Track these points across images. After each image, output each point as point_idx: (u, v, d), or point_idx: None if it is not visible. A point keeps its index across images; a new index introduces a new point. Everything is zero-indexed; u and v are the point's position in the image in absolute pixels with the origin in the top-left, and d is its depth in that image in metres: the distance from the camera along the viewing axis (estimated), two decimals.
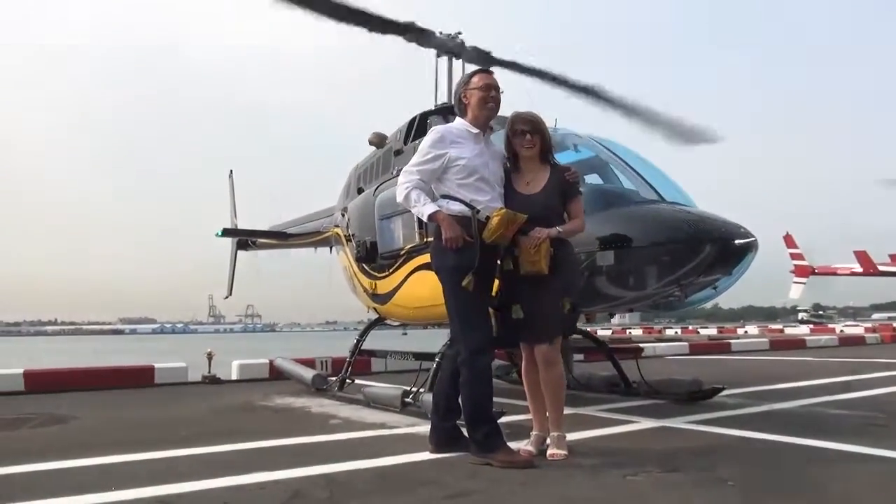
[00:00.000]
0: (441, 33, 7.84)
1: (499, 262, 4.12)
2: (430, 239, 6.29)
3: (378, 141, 8.07)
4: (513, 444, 3.92)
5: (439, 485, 3.33)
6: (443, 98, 7.73)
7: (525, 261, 3.93)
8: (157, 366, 9.42)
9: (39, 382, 8.47)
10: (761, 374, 9.13)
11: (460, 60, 7.82)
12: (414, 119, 7.54)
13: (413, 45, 7.91)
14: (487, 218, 3.96)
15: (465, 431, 4.10)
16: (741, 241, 4.61)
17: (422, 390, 5.71)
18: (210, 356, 9.46)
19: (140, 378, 9.09)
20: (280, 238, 11.34)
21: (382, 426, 5.24)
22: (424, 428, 4.99)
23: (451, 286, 3.96)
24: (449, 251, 3.94)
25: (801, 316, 64.23)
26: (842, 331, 26.76)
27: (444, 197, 4.05)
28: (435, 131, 4.16)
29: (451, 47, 7.85)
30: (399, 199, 4.10)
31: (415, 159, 4.11)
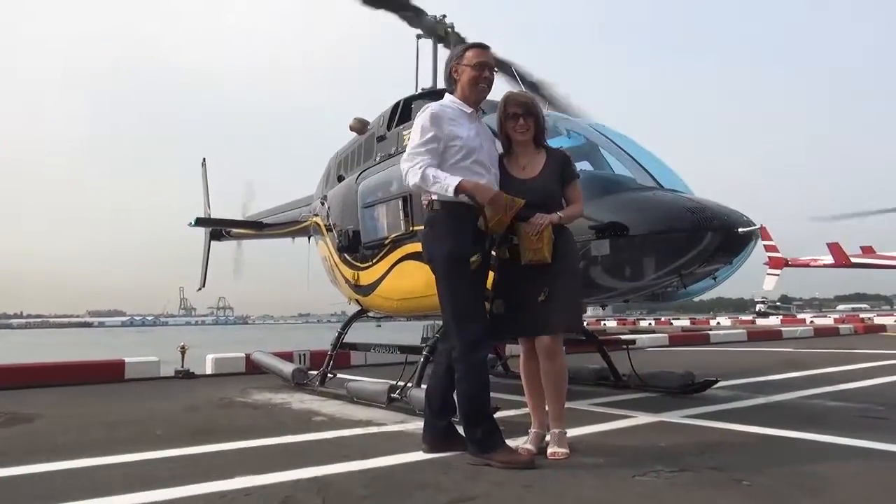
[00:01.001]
0: (430, 15, 7.61)
1: (493, 251, 3.91)
2: (415, 227, 6.13)
3: (360, 127, 7.80)
4: (509, 442, 3.71)
5: (438, 488, 3.11)
6: (425, 83, 7.50)
7: (527, 248, 3.72)
8: (127, 360, 9.04)
9: (2, 378, 8.04)
10: (747, 365, 9.06)
11: (441, 45, 7.60)
12: (398, 104, 7.28)
13: (402, 24, 7.67)
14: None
15: (459, 429, 3.90)
16: (744, 230, 4.46)
17: (409, 385, 5.49)
18: (183, 350, 9.12)
19: (109, 373, 8.71)
20: (256, 228, 11.00)
21: (369, 423, 5.00)
22: (414, 425, 4.79)
23: (446, 276, 3.73)
24: (442, 239, 3.70)
25: (758, 308, 65.06)
26: (812, 321, 27.10)
27: None
28: (429, 109, 3.89)
29: (437, 30, 7.61)
30: (413, 181, 3.74)
31: (416, 141, 3.81)
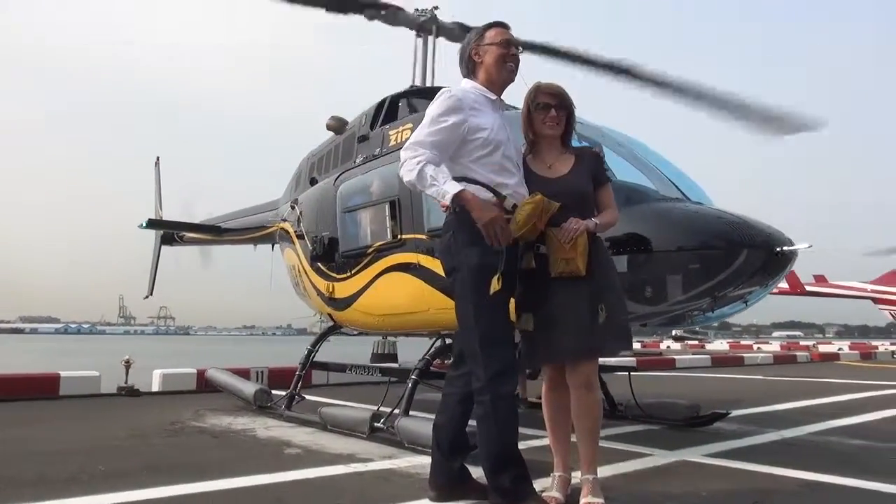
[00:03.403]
0: (416, 10, 7.04)
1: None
2: (403, 236, 5.52)
3: (337, 126, 7.14)
4: None
5: None
6: (417, 79, 6.93)
7: (558, 259, 3.15)
8: (63, 374, 8.06)
9: None
10: (731, 395, 8.67)
11: (432, 37, 7.04)
12: (383, 101, 6.67)
13: (383, 24, 7.11)
14: (514, 206, 3.15)
15: (470, 470, 3.29)
16: (788, 249, 4.00)
17: (396, 412, 4.85)
18: (128, 364, 8.22)
19: (42, 388, 7.74)
20: (214, 233, 10.13)
21: (352, 458, 4.32)
22: (405, 461, 4.16)
23: (473, 291, 3.10)
24: (469, 246, 3.11)
25: (673, 332, 65.58)
26: (759, 348, 27.19)
27: (458, 179, 3.20)
28: (449, 93, 3.30)
29: (423, 23, 7.04)
30: (408, 177, 3.16)
31: (424, 128, 3.22)
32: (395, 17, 7.05)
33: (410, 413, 4.85)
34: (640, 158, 4.91)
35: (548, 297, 3.21)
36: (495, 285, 3.03)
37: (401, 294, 5.51)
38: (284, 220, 7.88)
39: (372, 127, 6.59)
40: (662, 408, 5.93)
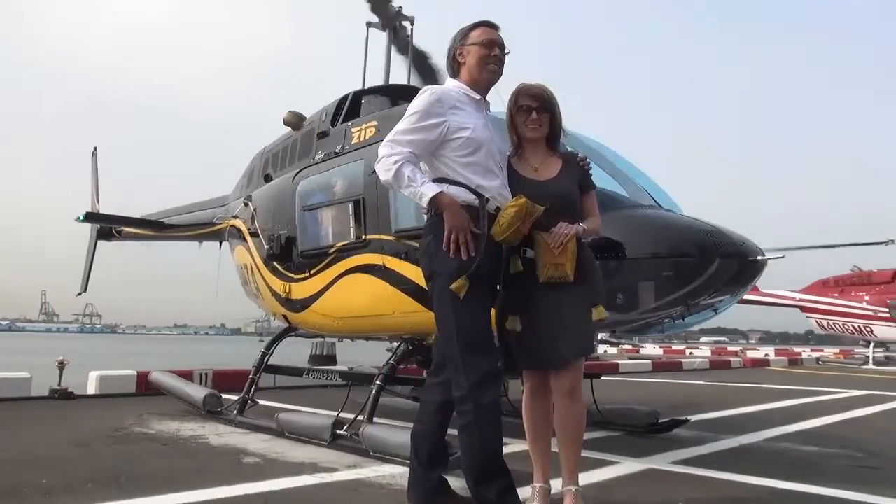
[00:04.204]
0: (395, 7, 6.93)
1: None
2: (368, 236, 5.35)
3: (295, 121, 6.88)
4: None
5: None
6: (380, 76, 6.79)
7: (547, 263, 3.06)
8: None
9: None
10: (679, 400, 8.81)
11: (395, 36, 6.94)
12: (346, 97, 6.47)
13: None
14: (497, 209, 3.06)
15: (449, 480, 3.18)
16: (761, 258, 4.04)
17: (360, 418, 4.68)
18: (62, 365, 7.73)
19: None
20: (156, 228, 9.68)
21: (316, 468, 4.13)
22: (372, 471, 4.02)
23: (452, 297, 2.97)
24: (449, 249, 2.98)
25: (600, 336, 67.33)
26: (691, 353, 27.88)
27: (439, 180, 3.09)
28: (430, 91, 3.19)
29: (387, 20, 6.92)
30: (385, 176, 3.06)
31: (403, 126, 3.11)
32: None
33: (374, 420, 4.69)
34: (613, 164, 4.88)
35: (534, 302, 3.12)
36: (460, 287, 2.91)
37: (364, 296, 5.33)
38: (236, 217, 7.57)
39: (333, 123, 6.39)
40: (623, 414, 5.94)
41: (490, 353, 3.04)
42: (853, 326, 23.76)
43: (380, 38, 7.05)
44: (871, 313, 22.97)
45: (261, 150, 7.73)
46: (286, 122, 6.96)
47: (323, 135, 6.38)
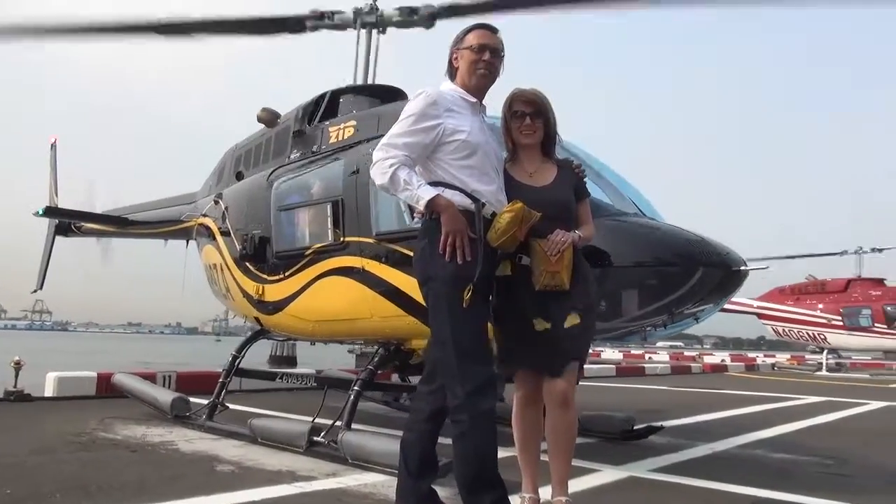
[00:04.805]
0: (355, 8, 6.81)
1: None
2: (346, 238, 5.25)
3: (269, 118, 6.71)
4: None
5: None
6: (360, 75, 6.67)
7: (543, 271, 3.03)
8: None
9: None
10: (646, 405, 8.89)
11: (376, 31, 6.83)
12: (323, 96, 6.36)
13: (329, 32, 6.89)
14: (493, 214, 3.01)
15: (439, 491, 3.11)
16: (744, 269, 4.07)
17: (338, 424, 4.58)
18: (18, 366, 7.40)
19: None
20: (118, 225, 9.40)
21: (294, 476, 4.01)
22: (353, 480, 3.94)
23: (448, 303, 2.91)
24: (445, 254, 2.91)
25: None
26: (650, 357, 28.35)
27: (435, 184, 3.03)
28: (425, 93, 3.13)
29: (365, 19, 6.81)
30: (380, 180, 2.99)
31: (398, 129, 3.05)
32: (336, 20, 6.85)
33: (352, 426, 4.60)
34: (597, 172, 4.87)
35: (528, 308, 3.08)
36: (467, 299, 2.87)
37: (341, 299, 5.23)
38: (205, 216, 7.38)
39: (309, 122, 6.27)
40: (599, 421, 5.94)
41: (486, 361, 2.98)
42: (808, 333, 24.43)
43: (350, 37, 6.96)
44: (824, 321, 23.66)
45: (232, 146, 7.55)
46: (260, 119, 6.78)
47: (298, 133, 6.25)
